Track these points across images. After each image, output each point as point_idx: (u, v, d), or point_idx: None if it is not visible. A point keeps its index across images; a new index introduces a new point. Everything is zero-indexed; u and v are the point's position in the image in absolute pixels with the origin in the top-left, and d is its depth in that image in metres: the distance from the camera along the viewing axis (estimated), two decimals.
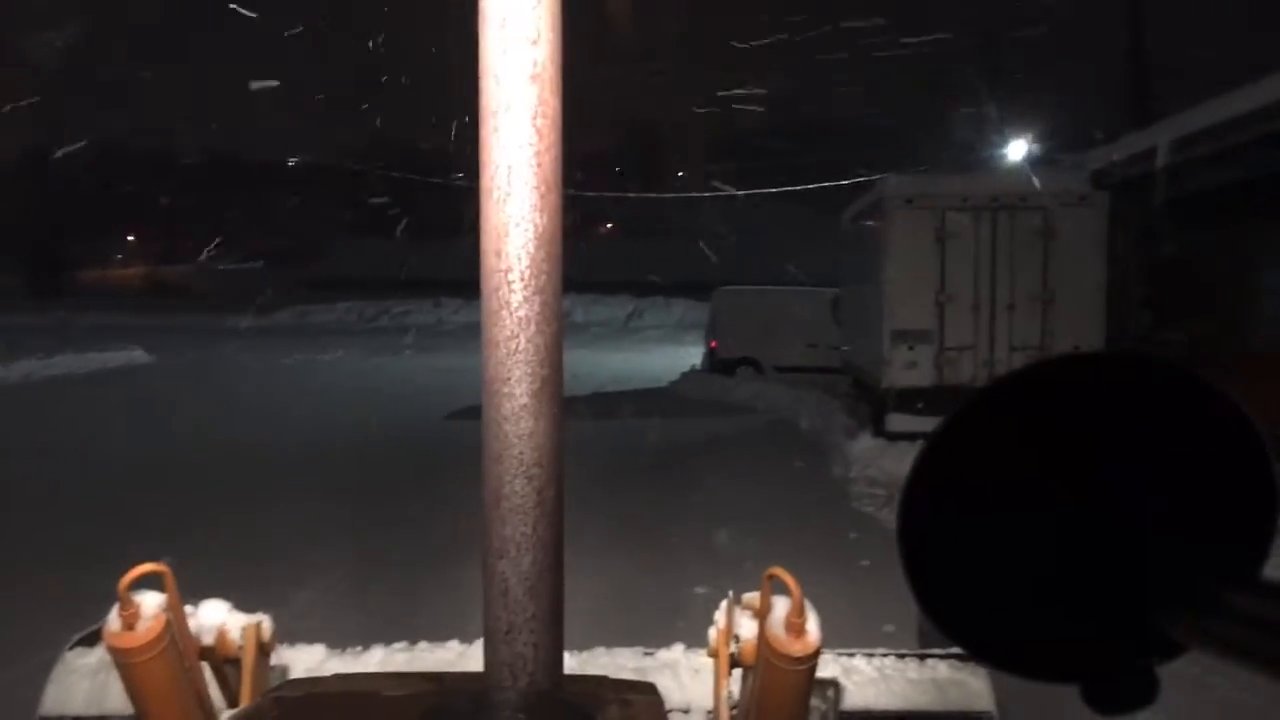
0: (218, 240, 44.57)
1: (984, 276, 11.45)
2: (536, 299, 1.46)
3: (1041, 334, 11.40)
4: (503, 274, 1.45)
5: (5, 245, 45.57)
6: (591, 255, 43.78)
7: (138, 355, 24.61)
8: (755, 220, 40.99)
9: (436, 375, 19.32)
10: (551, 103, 1.46)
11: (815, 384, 15.99)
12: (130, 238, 54.36)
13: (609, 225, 51.96)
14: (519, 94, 1.43)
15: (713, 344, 18.93)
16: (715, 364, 18.72)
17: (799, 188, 28.53)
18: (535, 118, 1.44)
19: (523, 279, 1.45)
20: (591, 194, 36.50)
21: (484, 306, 1.46)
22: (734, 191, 33.37)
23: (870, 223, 12.58)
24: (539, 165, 1.45)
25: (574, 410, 13.94)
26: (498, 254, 1.45)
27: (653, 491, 9.43)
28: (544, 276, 1.47)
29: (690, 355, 23.02)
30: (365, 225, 42.33)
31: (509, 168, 1.44)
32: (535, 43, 1.44)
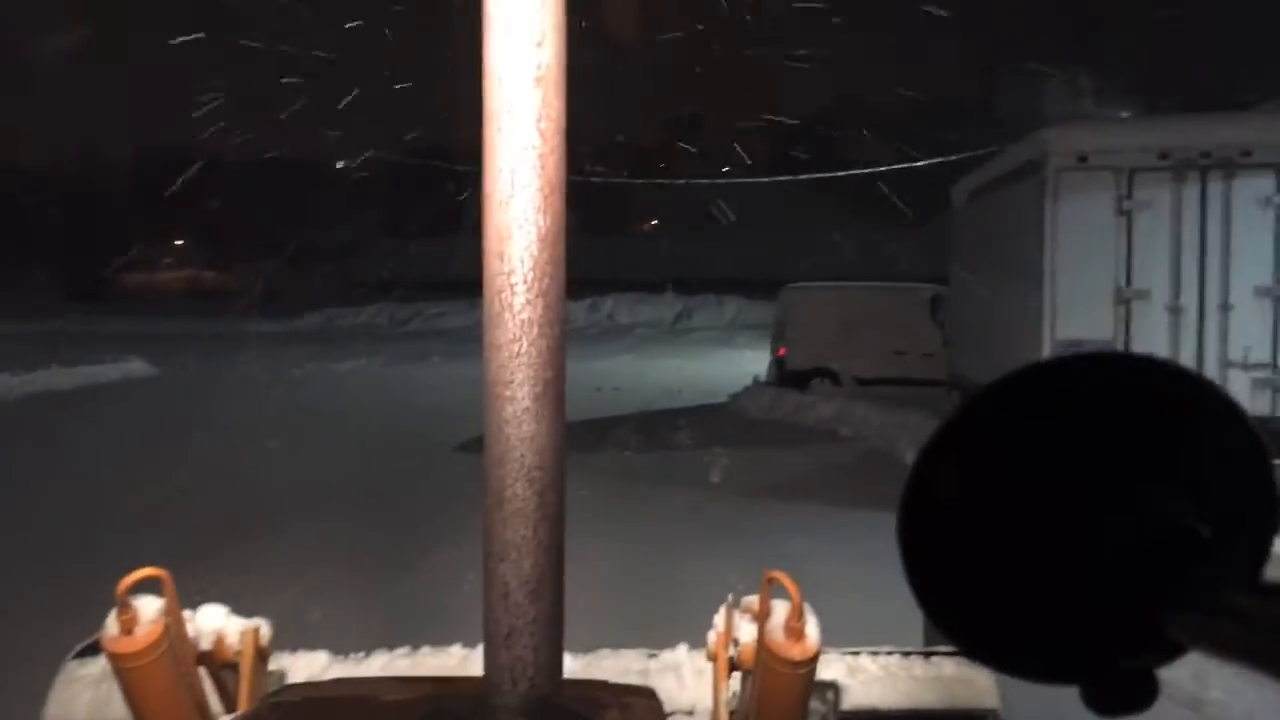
0: (258, 243, 46.76)
1: (1189, 265, 9.40)
2: (539, 302, 1.63)
3: (1274, 345, 9.29)
4: (505, 276, 1.63)
5: (41, 252, 48.16)
6: (635, 252, 44.23)
7: (136, 367, 24.67)
8: (815, 211, 41.11)
9: (460, 389, 18.15)
10: (555, 105, 1.65)
11: (913, 402, 14.70)
12: (178, 242, 57.65)
13: (653, 220, 52.62)
14: (523, 96, 1.62)
15: (780, 351, 17.94)
16: (784, 375, 17.64)
17: (868, 170, 28.44)
18: (539, 120, 1.63)
19: (525, 282, 1.63)
20: (638, 181, 36.84)
21: (486, 309, 1.64)
22: (794, 176, 33.33)
23: (1017, 192, 10.62)
24: (542, 168, 1.63)
25: (618, 437, 13.22)
26: (500, 256, 1.63)
27: (725, 584, 6.55)
28: (547, 279, 1.64)
29: (746, 360, 22.83)
30: (405, 225, 43.57)
31: (512, 170, 1.62)
32: (539, 45, 1.63)
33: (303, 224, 48.87)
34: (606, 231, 47.14)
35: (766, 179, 34.25)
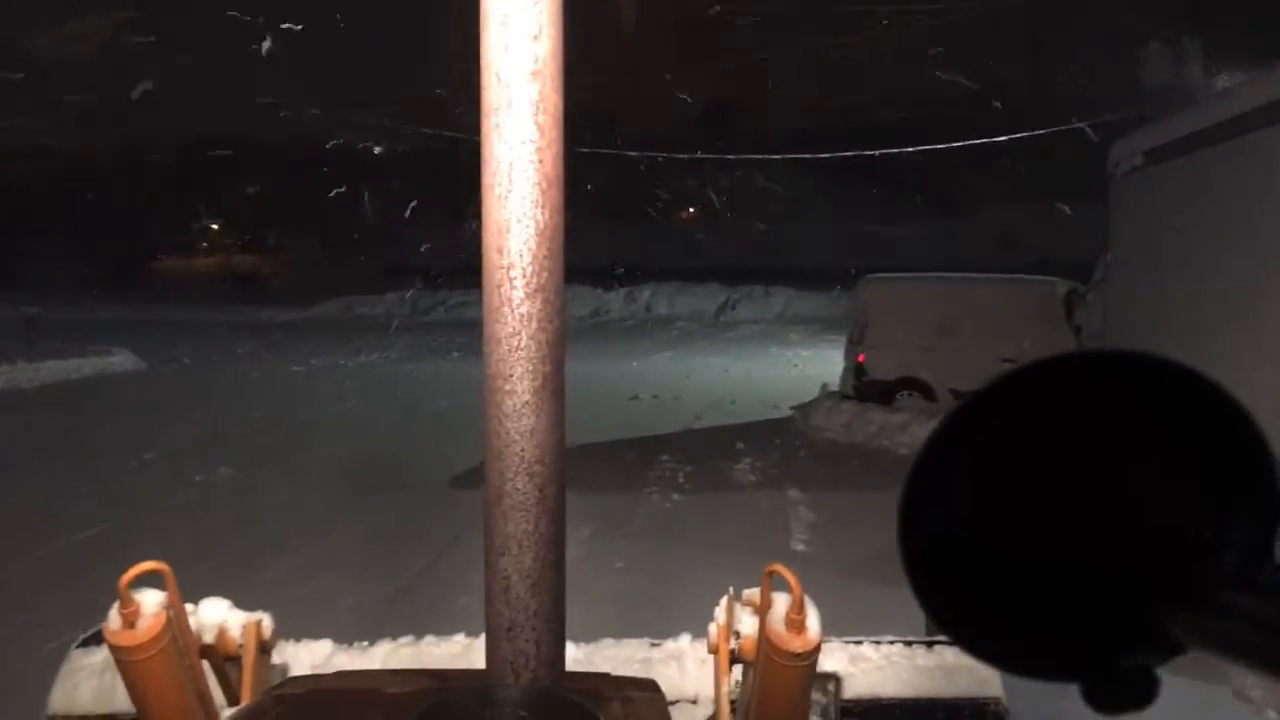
0: (284, 229, 48.64)
1: None
2: (538, 295, 1.85)
3: None
4: (504, 270, 1.84)
5: (64, 238, 50.82)
6: (676, 239, 44.54)
7: (118, 361, 24.85)
8: (870, 195, 41.20)
9: (474, 393, 16.83)
10: (553, 99, 1.86)
11: None
12: (203, 227, 61.82)
13: (693, 207, 53.16)
14: (520, 90, 1.84)
15: (860, 357, 16.36)
16: (864, 386, 16.12)
17: (928, 148, 28.29)
18: (537, 114, 1.84)
19: (524, 275, 1.84)
20: (683, 156, 37.02)
21: (485, 303, 1.85)
22: (868, 152, 33.16)
23: (1261, 145, 8.18)
24: (540, 162, 1.84)
25: (661, 469, 12.16)
26: (499, 250, 1.85)
27: None
28: (546, 273, 1.86)
29: (803, 359, 22.48)
30: (431, 210, 44.50)
31: (510, 164, 1.84)
32: (536, 39, 1.84)
33: (330, 209, 50.45)
34: (645, 217, 47.53)
35: (825, 155, 34.15)
